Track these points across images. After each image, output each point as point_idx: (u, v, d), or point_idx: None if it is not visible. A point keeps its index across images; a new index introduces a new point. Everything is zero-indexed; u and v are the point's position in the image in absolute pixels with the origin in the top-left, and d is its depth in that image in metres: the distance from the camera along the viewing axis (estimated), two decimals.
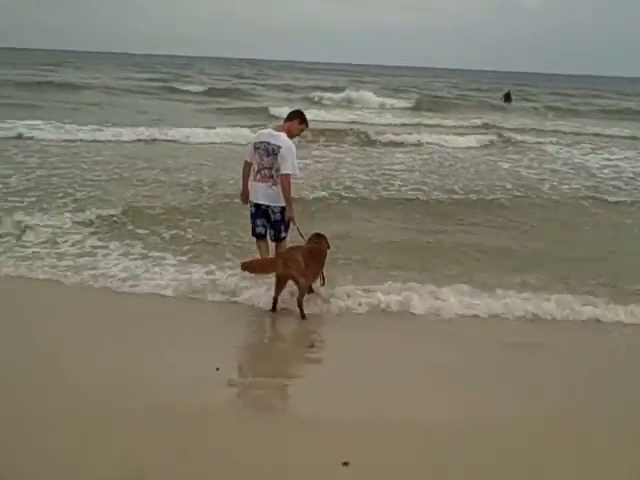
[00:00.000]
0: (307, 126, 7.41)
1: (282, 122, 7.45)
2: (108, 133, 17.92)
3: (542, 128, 27.41)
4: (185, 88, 38.76)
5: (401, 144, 19.59)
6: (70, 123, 18.74)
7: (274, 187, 6.94)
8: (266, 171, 6.95)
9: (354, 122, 25.49)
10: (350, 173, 14.24)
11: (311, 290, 6.83)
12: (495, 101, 43.56)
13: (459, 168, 16.08)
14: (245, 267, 6.60)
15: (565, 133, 25.63)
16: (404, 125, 26.22)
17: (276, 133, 7.06)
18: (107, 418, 4.42)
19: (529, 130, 25.62)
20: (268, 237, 7.24)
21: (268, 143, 6.95)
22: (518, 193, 13.08)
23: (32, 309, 6.51)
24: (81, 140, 16.96)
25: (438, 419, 4.68)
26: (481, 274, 7.89)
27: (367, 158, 16.91)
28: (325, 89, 43.97)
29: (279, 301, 6.61)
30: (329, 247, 7.13)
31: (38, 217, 9.23)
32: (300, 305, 6.49)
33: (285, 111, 7.30)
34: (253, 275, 6.78)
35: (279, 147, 6.87)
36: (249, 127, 18.86)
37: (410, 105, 36.43)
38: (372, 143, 19.57)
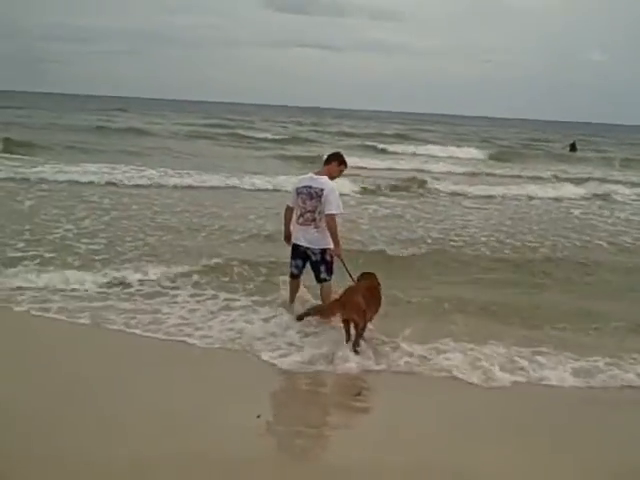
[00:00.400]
0: (346, 167, 7.45)
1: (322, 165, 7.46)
2: (176, 178, 18.09)
3: (610, 177, 26.84)
4: (249, 134, 39.34)
5: (470, 194, 19.21)
6: (141, 167, 19.14)
7: (315, 230, 7.06)
8: (309, 214, 7.07)
9: (422, 171, 25.16)
10: (424, 224, 13.82)
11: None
12: (559, 150, 43.03)
13: (533, 216, 15.82)
14: (304, 316, 6.72)
15: (634, 183, 24.80)
16: (470, 175, 26.03)
17: (316, 177, 7.16)
18: (139, 465, 4.24)
19: (597, 179, 24.89)
20: (307, 278, 7.38)
21: (310, 187, 7.08)
22: (599, 242, 12.69)
23: (76, 352, 6.34)
24: (149, 184, 17.19)
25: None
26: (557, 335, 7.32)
27: (435, 206, 16.70)
28: (387, 137, 44.18)
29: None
30: (379, 284, 7.08)
31: (107, 261, 9.29)
32: (357, 345, 6.38)
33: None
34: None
35: (322, 190, 6.98)
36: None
37: (480, 156, 35.65)
38: (439, 193, 19.23)
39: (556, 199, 19.34)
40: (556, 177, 25.22)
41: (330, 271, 7.19)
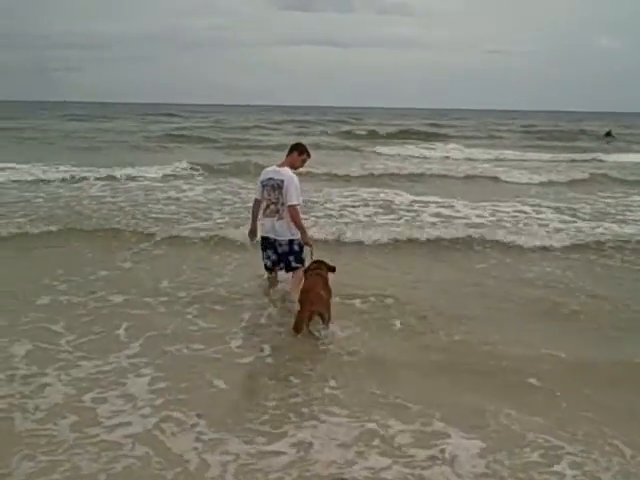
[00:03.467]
0: (309, 156, 7.49)
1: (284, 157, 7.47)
2: None
3: None
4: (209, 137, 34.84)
5: None
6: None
7: (280, 221, 7.17)
8: (273, 206, 7.19)
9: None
10: None
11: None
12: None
13: None
14: (301, 328, 6.29)
15: None
16: None
17: (279, 168, 7.27)
18: None
19: None
20: (281, 268, 7.42)
21: (273, 179, 7.19)
22: None
23: None
24: None
25: None
26: None
27: None
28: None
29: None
30: (331, 269, 7.03)
31: None
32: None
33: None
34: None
35: (282, 181, 7.10)
36: None
37: None
38: None
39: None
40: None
41: (300, 260, 7.28)
